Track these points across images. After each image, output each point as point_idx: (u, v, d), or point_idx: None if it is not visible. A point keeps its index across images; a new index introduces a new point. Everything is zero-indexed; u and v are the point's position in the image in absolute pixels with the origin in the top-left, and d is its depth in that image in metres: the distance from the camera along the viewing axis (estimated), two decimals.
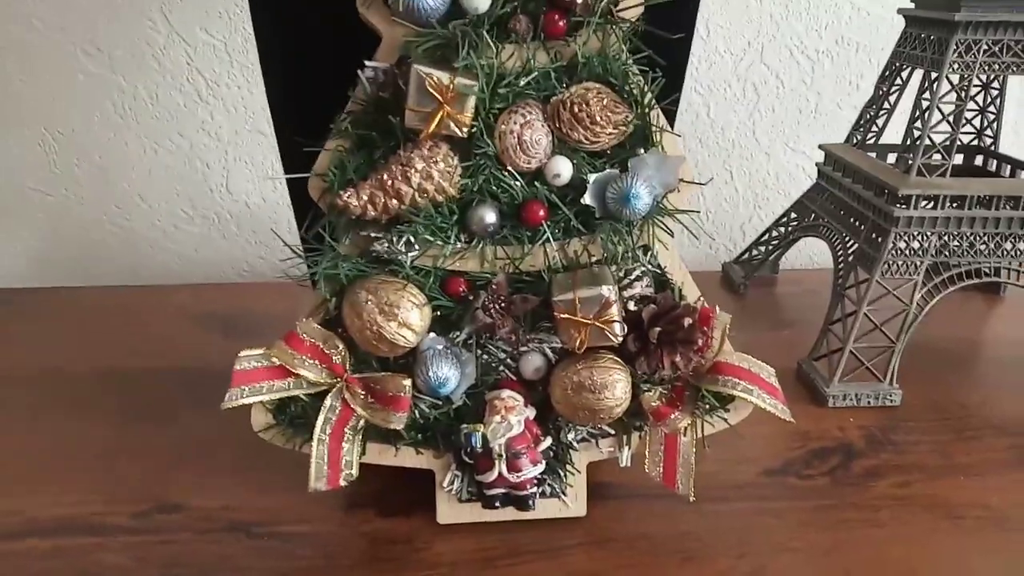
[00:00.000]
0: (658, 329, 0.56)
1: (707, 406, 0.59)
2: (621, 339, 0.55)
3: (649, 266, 0.59)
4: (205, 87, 1.10)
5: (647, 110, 0.57)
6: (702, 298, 0.60)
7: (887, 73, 0.88)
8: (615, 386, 0.56)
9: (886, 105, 0.90)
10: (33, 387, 0.82)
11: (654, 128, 0.58)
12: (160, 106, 1.11)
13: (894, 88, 0.88)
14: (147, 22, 1.07)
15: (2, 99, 1.09)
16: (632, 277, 0.58)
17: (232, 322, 0.94)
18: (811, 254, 1.21)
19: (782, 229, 1.01)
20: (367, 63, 0.56)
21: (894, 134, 0.90)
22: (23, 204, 1.14)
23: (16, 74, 1.08)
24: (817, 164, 0.95)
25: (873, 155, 0.92)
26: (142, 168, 1.14)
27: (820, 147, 0.94)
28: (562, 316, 0.55)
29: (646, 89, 0.57)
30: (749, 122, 1.17)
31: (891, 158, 0.92)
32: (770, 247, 1.02)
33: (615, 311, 0.55)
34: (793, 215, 0.99)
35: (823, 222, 0.92)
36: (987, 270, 0.81)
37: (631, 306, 0.57)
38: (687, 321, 0.56)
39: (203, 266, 1.18)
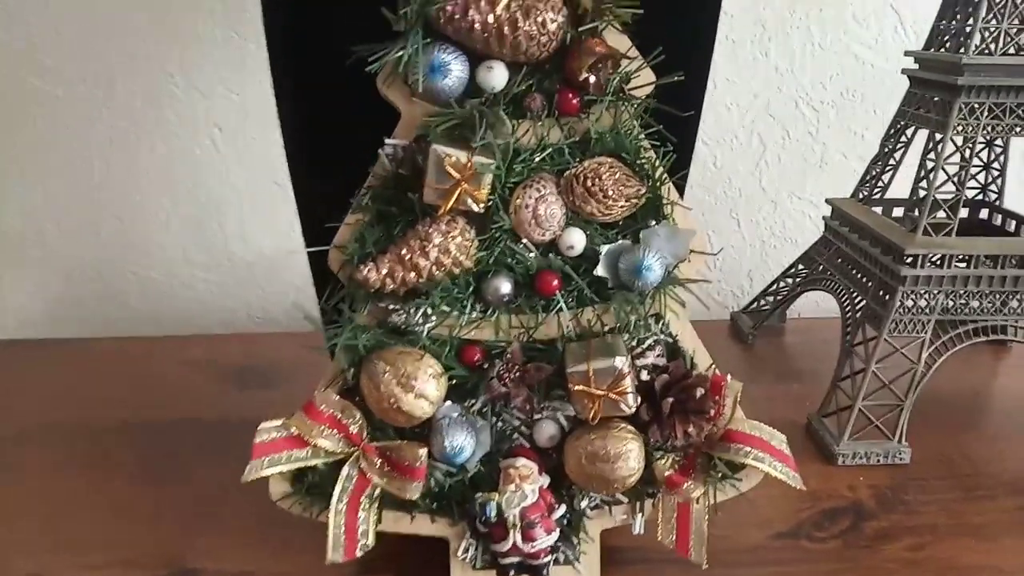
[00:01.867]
0: (671, 399, 0.57)
1: (719, 474, 0.60)
2: (634, 410, 0.56)
3: (661, 335, 0.60)
4: (222, 139, 1.12)
5: (659, 184, 0.59)
6: (714, 366, 0.61)
7: (892, 131, 0.90)
8: (629, 456, 0.57)
9: (891, 161, 0.91)
10: (49, 441, 0.83)
11: (666, 202, 0.59)
12: (178, 157, 1.13)
13: (899, 145, 0.90)
14: (166, 75, 1.09)
15: (24, 148, 1.12)
16: (645, 346, 0.59)
17: (247, 373, 0.95)
18: (817, 299, 1.22)
19: (790, 280, 1.02)
20: (387, 140, 0.57)
21: (900, 187, 0.92)
22: (42, 252, 1.16)
23: (38, 123, 1.11)
24: (824, 218, 0.96)
25: (879, 210, 0.93)
26: (159, 217, 1.16)
27: (827, 201, 0.95)
28: (576, 388, 0.56)
29: (657, 164, 0.59)
30: (756, 172, 1.18)
31: (897, 211, 0.94)
32: (778, 298, 1.03)
33: (628, 382, 0.56)
34: (801, 267, 1.01)
35: (830, 276, 0.93)
36: (994, 327, 0.81)
37: (644, 375, 0.58)
38: (699, 391, 0.57)
39: (218, 312, 1.20)
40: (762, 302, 1.05)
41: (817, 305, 1.22)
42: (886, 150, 0.91)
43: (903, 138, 0.89)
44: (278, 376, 0.94)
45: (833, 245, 0.94)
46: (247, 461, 0.58)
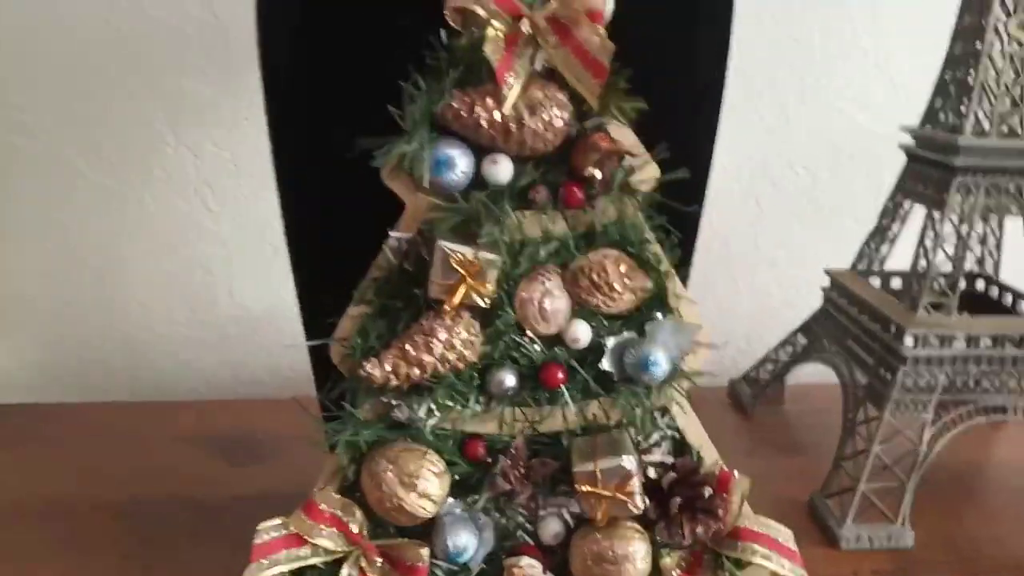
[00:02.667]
0: (679, 499, 0.56)
1: (726, 573, 0.59)
2: (642, 510, 0.55)
3: (667, 430, 0.59)
4: (212, 197, 1.11)
5: (664, 277, 0.58)
6: (720, 461, 0.60)
7: (890, 205, 0.90)
8: (635, 556, 0.56)
9: (889, 234, 0.91)
10: (30, 520, 0.80)
11: (671, 295, 0.58)
12: (164, 215, 1.12)
13: (897, 219, 0.90)
14: (154, 133, 1.08)
15: (5, 207, 1.10)
16: (651, 442, 0.59)
17: (237, 446, 0.93)
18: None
19: (789, 349, 1.02)
20: (391, 233, 0.56)
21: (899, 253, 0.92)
22: (22, 312, 1.14)
23: (18, 182, 1.09)
24: (823, 289, 0.96)
25: (878, 281, 0.93)
26: (144, 276, 1.14)
27: (826, 272, 0.95)
28: (584, 488, 0.55)
29: (662, 257, 0.58)
30: (751, 232, 1.18)
31: (895, 281, 0.94)
32: (778, 367, 1.03)
33: (636, 483, 0.55)
34: (800, 337, 1.00)
35: (830, 349, 0.93)
36: (994, 407, 0.81)
37: (651, 473, 0.57)
38: (707, 491, 0.56)
39: (203, 371, 1.18)
40: (761, 370, 1.05)
41: (815, 369, 1.22)
42: (884, 223, 0.91)
43: (901, 211, 0.90)
44: (269, 449, 0.92)
45: (832, 317, 0.94)
46: (241, 544, 0.56)
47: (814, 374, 1.17)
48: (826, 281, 0.97)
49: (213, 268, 1.14)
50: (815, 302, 1.03)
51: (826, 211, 1.18)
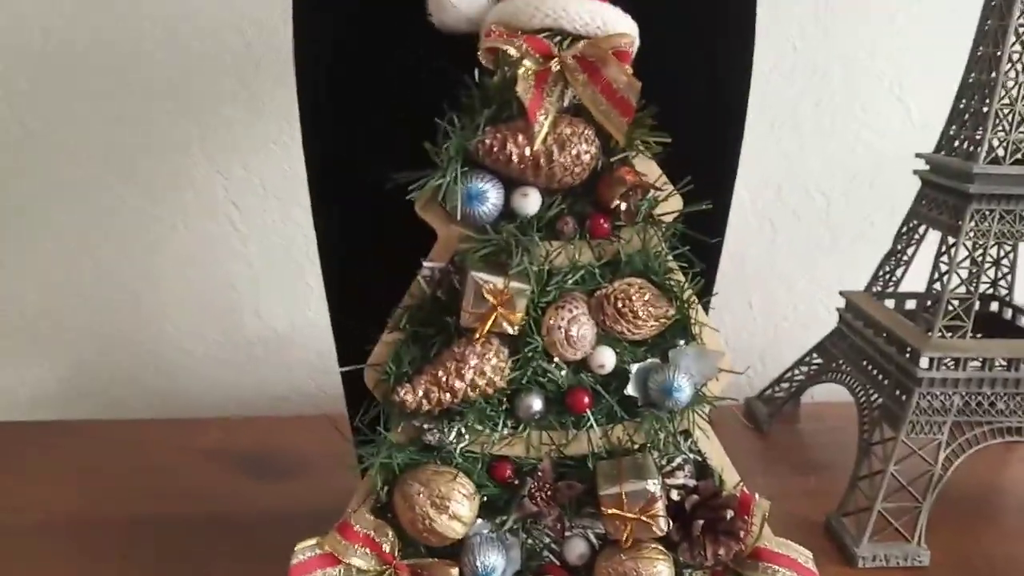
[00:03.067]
0: (701, 521, 0.58)
1: None
2: (666, 532, 0.57)
3: (690, 453, 0.61)
4: (240, 218, 1.14)
5: (687, 306, 0.60)
6: (742, 483, 0.62)
7: (905, 229, 0.92)
8: None
9: (904, 258, 0.93)
10: (61, 534, 0.82)
11: (694, 322, 0.60)
12: (195, 236, 1.15)
13: (912, 243, 0.92)
14: (186, 157, 1.12)
15: (42, 227, 1.13)
16: (674, 465, 0.60)
17: (264, 462, 0.95)
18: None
19: (804, 369, 1.03)
20: (424, 263, 0.59)
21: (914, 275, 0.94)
22: (57, 331, 1.17)
23: (57, 205, 1.12)
24: (839, 310, 0.98)
25: (892, 303, 0.95)
26: (174, 295, 1.17)
27: (841, 294, 0.97)
28: (609, 511, 0.57)
29: (686, 286, 0.60)
30: (768, 255, 1.20)
31: (910, 303, 0.95)
32: (792, 387, 1.04)
33: (660, 506, 0.56)
34: (816, 357, 1.02)
35: (845, 370, 0.94)
36: (1009, 428, 0.82)
37: (674, 495, 0.59)
38: (729, 513, 0.58)
39: (230, 389, 1.20)
40: (776, 389, 1.06)
41: (830, 387, 1.23)
42: (899, 247, 0.93)
43: (916, 235, 0.91)
44: (295, 465, 0.94)
45: (848, 338, 0.95)
46: (269, 559, 0.59)
47: (828, 393, 1.18)
48: (841, 303, 0.99)
49: (241, 288, 1.16)
50: (830, 323, 1.05)
51: (841, 234, 1.20)
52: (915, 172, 0.90)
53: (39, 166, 1.11)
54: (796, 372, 1.04)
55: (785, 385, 1.06)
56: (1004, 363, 0.82)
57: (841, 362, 0.97)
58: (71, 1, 1.05)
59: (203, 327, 1.18)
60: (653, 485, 0.57)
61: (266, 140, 1.11)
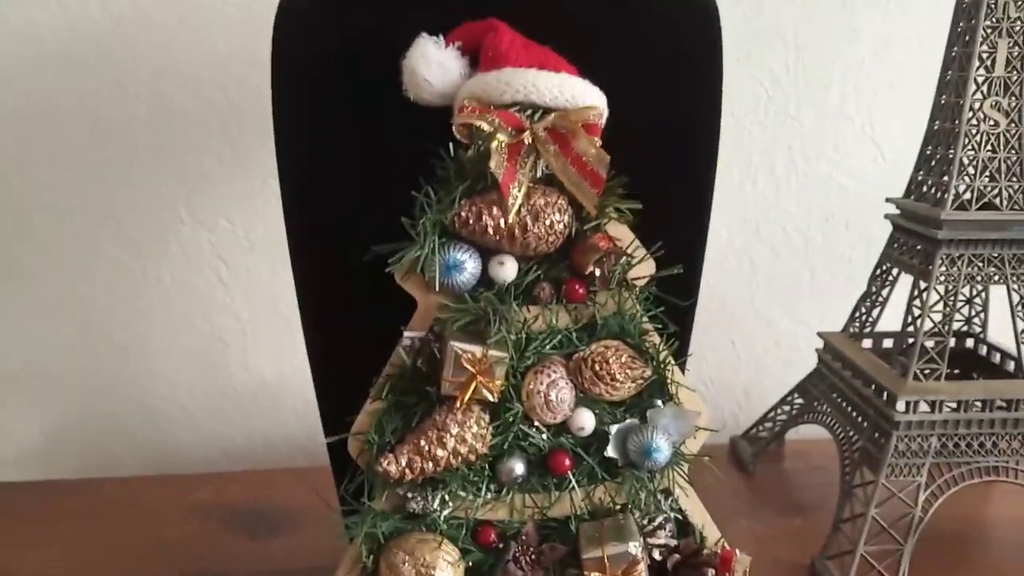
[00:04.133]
0: None
1: None
2: None
3: (671, 511, 0.62)
4: (226, 271, 1.15)
5: (663, 366, 0.62)
6: (723, 540, 0.63)
7: (878, 272, 0.94)
8: None
9: (879, 299, 0.95)
10: None
11: (670, 382, 0.62)
12: (181, 290, 1.15)
13: (886, 285, 0.94)
14: (171, 212, 1.13)
15: (26, 280, 1.14)
16: (655, 524, 0.61)
17: (256, 519, 0.96)
18: None
19: (787, 408, 1.05)
20: (405, 333, 0.60)
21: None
22: (45, 386, 1.17)
23: (43, 259, 1.13)
24: (817, 350, 0.99)
25: (870, 343, 0.96)
26: (162, 348, 1.17)
27: (819, 335, 0.99)
28: (592, 574, 0.57)
29: (661, 347, 0.61)
30: (747, 293, 1.22)
31: (887, 342, 0.97)
32: (776, 426, 1.05)
33: (642, 568, 0.57)
34: (797, 397, 1.03)
35: (825, 411, 0.96)
36: (987, 468, 0.84)
37: (656, 555, 0.60)
38: (711, 572, 0.59)
39: (221, 440, 1.21)
40: (760, 428, 1.07)
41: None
42: (874, 288, 0.95)
43: (889, 277, 0.93)
44: (287, 521, 0.95)
45: (827, 379, 0.97)
46: None
47: (812, 428, 1.20)
48: (820, 343, 1.00)
49: (228, 340, 1.17)
50: (811, 357, 1.06)
51: (820, 271, 1.22)
52: (886, 216, 0.92)
53: (25, 224, 1.11)
54: (779, 412, 1.06)
55: (768, 425, 1.07)
56: (979, 404, 0.83)
57: (821, 403, 0.98)
58: (54, 61, 1.06)
59: (192, 379, 1.19)
60: (635, 547, 0.58)
61: (251, 194, 1.12)
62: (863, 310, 0.96)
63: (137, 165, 1.10)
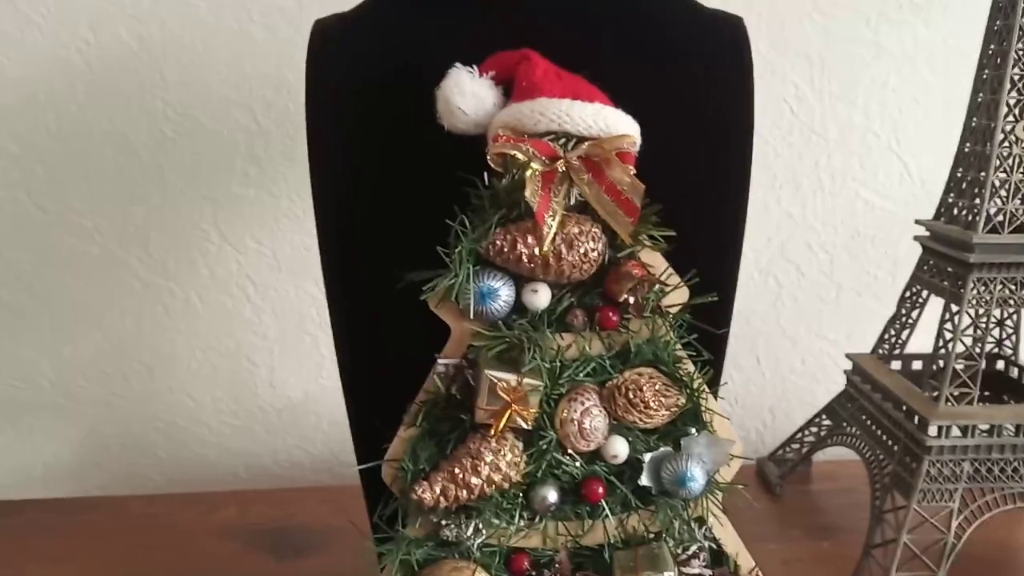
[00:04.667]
0: None
1: None
2: None
3: (705, 540, 0.62)
4: (254, 291, 1.16)
5: (697, 394, 0.61)
6: (757, 568, 0.62)
7: (908, 294, 0.93)
8: None
9: (909, 321, 0.94)
10: None
11: (704, 410, 0.62)
12: (209, 309, 1.17)
13: (916, 307, 0.93)
14: (200, 232, 1.14)
15: (55, 301, 1.15)
16: (689, 553, 0.61)
17: (282, 538, 0.96)
18: None
19: (814, 430, 1.04)
20: (439, 360, 0.60)
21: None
22: (73, 405, 1.19)
23: (73, 281, 1.14)
24: (846, 372, 0.99)
25: (899, 364, 0.96)
26: (189, 367, 1.18)
27: (848, 356, 0.98)
28: None
29: (695, 375, 0.61)
30: (773, 311, 1.21)
31: (916, 364, 0.97)
32: (804, 447, 1.05)
33: None
34: (824, 419, 1.03)
35: (854, 433, 0.95)
36: (1020, 494, 0.83)
37: None
38: None
39: (247, 458, 1.21)
40: (787, 450, 1.07)
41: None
42: (903, 311, 0.94)
43: (919, 299, 0.93)
44: (313, 541, 0.95)
45: (856, 401, 0.96)
46: None
47: (839, 450, 1.19)
48: (848, 361, 1.00)
49: (255, 359, 1.18)
50: (837, 376, 1.06)
51: (845, 288, 1.21)
52: (916, 238, 0.92)
53: (55, 244, 1.13)
54: (806, 433, 1.05)
55: (795, 446, 1.06)
56: (1012, 428, 0.83)
57: (850, 425, 0.97)
58: (83, 85, 1.08)
59: (218, 398, 1.20)
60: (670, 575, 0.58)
61: (277, 215, 1.13)
62: (892, 332, 0.96)
63: (165, 186, 1.12)
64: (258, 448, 1.21)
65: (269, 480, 1.20)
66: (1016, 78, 0.80)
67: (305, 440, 1.21)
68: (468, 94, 0.61)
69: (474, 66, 0.61)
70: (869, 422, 0.93)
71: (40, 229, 1.12)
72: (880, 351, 0.97)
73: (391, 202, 0.67)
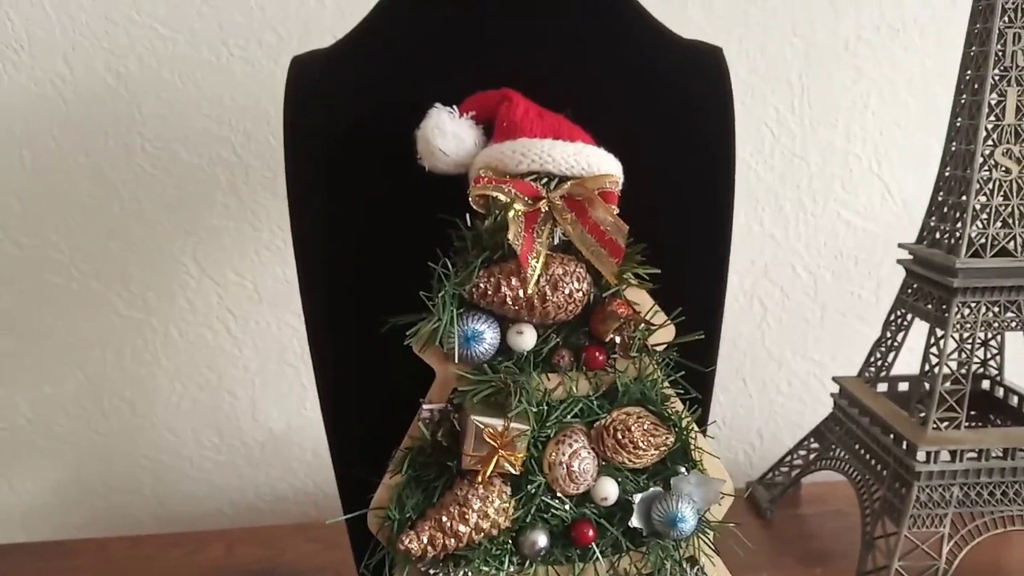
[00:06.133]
0: None
1: None
2: None
3: None
4: (235, 324, 1.15)
5: (686, 432, 0.61)
6: None
7: (892, 317, 0.93)
8: None
9: (895, 344, 0.94)
10: None
11: (694, 448, 0.61)
12: (190, 343, 1.15)
13: (901, 329, 0.93)
14: (179, 266, 1.13)
15: (34, 339, 1.13)
16: None
17: None
18: None
19: (803, 453, 1.04)
20: (424, 405, 0.59)
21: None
22: (50, 442, 1.16)
23: (51, 316, 1.13)
24: (833, 395, 0.99)
25: (885, 387, 0.96)
26: (170, 402, 1.17)
27: (834, 379, 0.98)
28: None
29: (684, 413, 0.61)
30: (758, 332, 1.21)
31: (902, 385, 0.97)
32: (793, 471, 1.04)
33: None
34: (813, 442, 1.03)
35: (843, 457, 0.95)
36: (1011, 518, 0.83)
37: None
38: None
39: (231, 493, 1.20)
40: (776, 474, 1.06)
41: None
42: (888, 334, 0.94)
43: (904, 322, 0.93)
44: None
45: (843, 424, 0.96)
46: None
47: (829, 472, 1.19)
48: (833, 386, 1.00)
49: (237, 392, 1.16)
50: (823, 397, 1.06)
51: (830, 310, 1.21)
52: (899, 262, 0.92)
53: (32, 280, 1.11)
54: (794, 457, 1.05)
55: (784, 470, 1.06)
56: (1000, 452, 0.83)
57: (838, 449, 0.97)
58: (59, 119, 1.06)
59: (200, 432, 1.18)
60: None
61: (258, 247, 1.12)
62: (878, 355, 0.96)
63: (144, 220, 1.10)
64: (242, 483, 1.19)
65: (254, 515, 1.18)
66: (994, 103, 0.81)
67: (289, 472, 1.19)
68: (448, 135, 0.60)
69: (454, 106, 0.61)
70: (857, 446, 0.93)
71: (16, 265, 1.10)
72: (866, 374, 0.97)
73: (372, 243, 0.67)
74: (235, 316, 1.14)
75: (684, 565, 0.61)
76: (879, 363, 0.96)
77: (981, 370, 0.98)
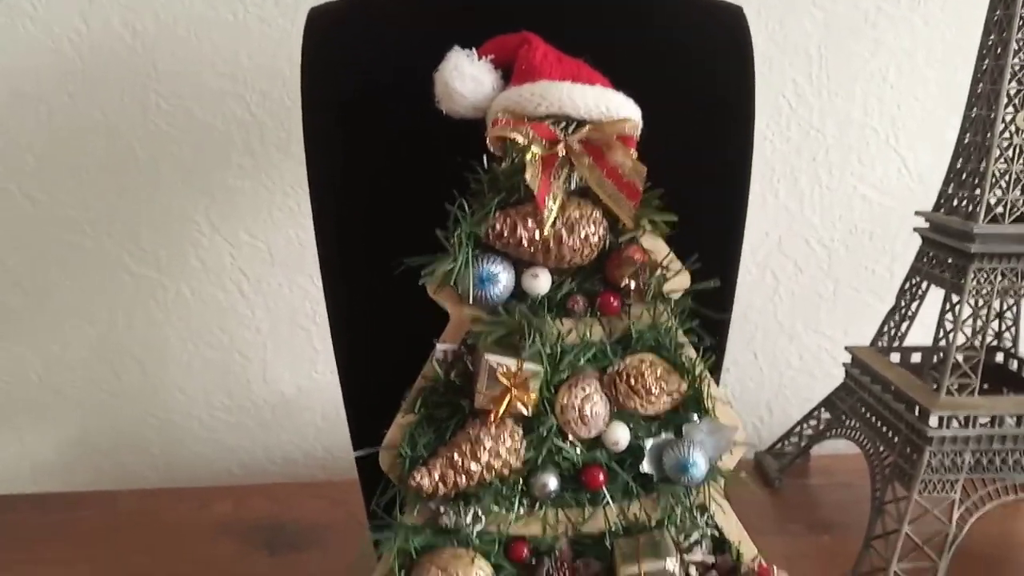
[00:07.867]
0: None
1: None
2: None
3: (707, 528, 0.61)
4: (247, 284, 1.15)
5: (699, 380, 0.61)
6: (759, 557, 0.61)
7: (907, 286, 0.93)
8: None
9: (908, 313, 0.94)
10: None
11: (706, 396, 0.61)
12: (201, 303, 1.15)
13: (915, 299, 0.93)
14: (192, 225, 1.13)
15: (46, 296, 1.14)
16: (691, 540, 0.60)
17: (276, 533, 0.95)
18: None
19: (813, 423, 1.03)
20: (437, 345, 0.59)
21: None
22: (63, 401, 1.17)
23: (64, 275, 1.13)
24: (845, 365, 0.98)
25: (898, 357, 0.95)
26: (181, 362, 1.17)
27: (847, 349, 0.98)
28: None
29: (697, 361, 0.61)
30: (770, 306, 1.21)
31: (915, 356, 0.96)
32: (802, 441, 1.04)
33: None
34: (824, 411, 1.02)
35: (854, 425, 0.95)
36: (1021, 485, 0.82)
37: (692, 572, 0.59)
38: None
39: (240, 454, 1.20)
40: (786, 443, 1.06)
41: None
42: (902, 303, 0.93)
43: (919, 291, 0.92)
44: (308, 536, 0.94)
45: (855, 393, 0.96)
46: None
47: (837, 444, 1.18)
48: (846, 356, 0.99)
49: (248, 353, 1.17)
50: (834, 371, 1.05)
51: (843, 284, 1.20)
52: (915, 230, 0.91)
53: (44, 237, 1.12)
54: (804, 427, 1.05)
55: (794, 440, 1.06)
56: (1013, 419, 0.82)
57: (849, 417, 0.97)
58: (75, 76, 1.07)
59: (211, 393, 1.18)
60: (672, 563, 0.56)
61: (271, 208, 1.12)
62: (891, 324, 0.95)
63: (158, 179, 1.11)
64: (251, 443, 1.20)
65: (263, 475, 1.18)
66: (1016, 68, 0.80)
67: (299, 436, 1.20)
68: (467, 77, 0.60)
69: (473, 49, 0.60)
70: (869, 414, 0.93)
71: (29, 221, 1.11)
72: (879, 343, 0.96)
73: (389, 189, 0.67)
74: (248, 277, 1.15)
75: (694, 512, 0.61)
76: (892, 332, 0.95)
77: (996, 342, 0.98)
